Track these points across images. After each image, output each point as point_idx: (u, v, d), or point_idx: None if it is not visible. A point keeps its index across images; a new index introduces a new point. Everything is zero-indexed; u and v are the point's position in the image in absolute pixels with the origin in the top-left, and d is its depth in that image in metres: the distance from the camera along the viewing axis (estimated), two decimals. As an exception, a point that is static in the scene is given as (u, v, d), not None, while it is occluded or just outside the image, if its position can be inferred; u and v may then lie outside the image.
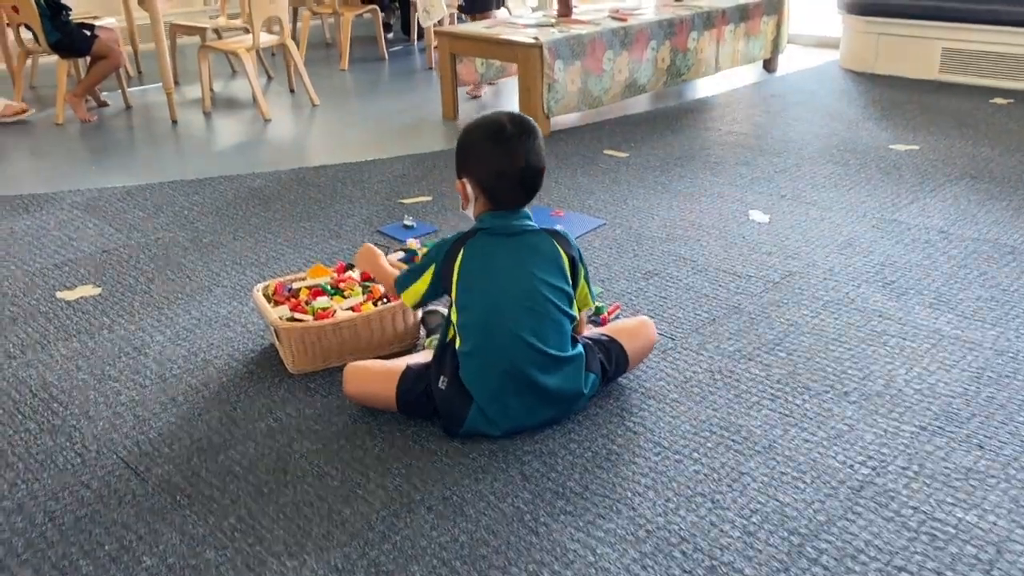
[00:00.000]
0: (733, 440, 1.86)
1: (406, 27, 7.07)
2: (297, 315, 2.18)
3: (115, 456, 1.85)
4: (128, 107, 4.95)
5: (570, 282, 1.89)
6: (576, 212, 3.20)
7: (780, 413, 1.95)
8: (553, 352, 1.84)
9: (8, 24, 4.71)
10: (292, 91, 5.27)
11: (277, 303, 2.26)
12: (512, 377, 1.82)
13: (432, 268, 1.89)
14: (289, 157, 3.99)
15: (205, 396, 2.07)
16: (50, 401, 2.07)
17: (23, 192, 3.54)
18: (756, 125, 4.29)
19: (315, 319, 2.15)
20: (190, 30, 5.49)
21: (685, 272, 2.68)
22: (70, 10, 4.63)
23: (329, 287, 2.32)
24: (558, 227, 1.94)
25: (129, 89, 5.05)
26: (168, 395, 2.08)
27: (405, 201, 3.37)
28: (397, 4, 7.14)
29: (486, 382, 1.82)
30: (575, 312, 1.91)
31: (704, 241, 2.91)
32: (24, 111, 4.65)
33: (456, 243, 1.87)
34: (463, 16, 5.77)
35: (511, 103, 4.85)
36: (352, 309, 2.20)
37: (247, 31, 5.31)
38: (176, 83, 4.76)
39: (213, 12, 6.34)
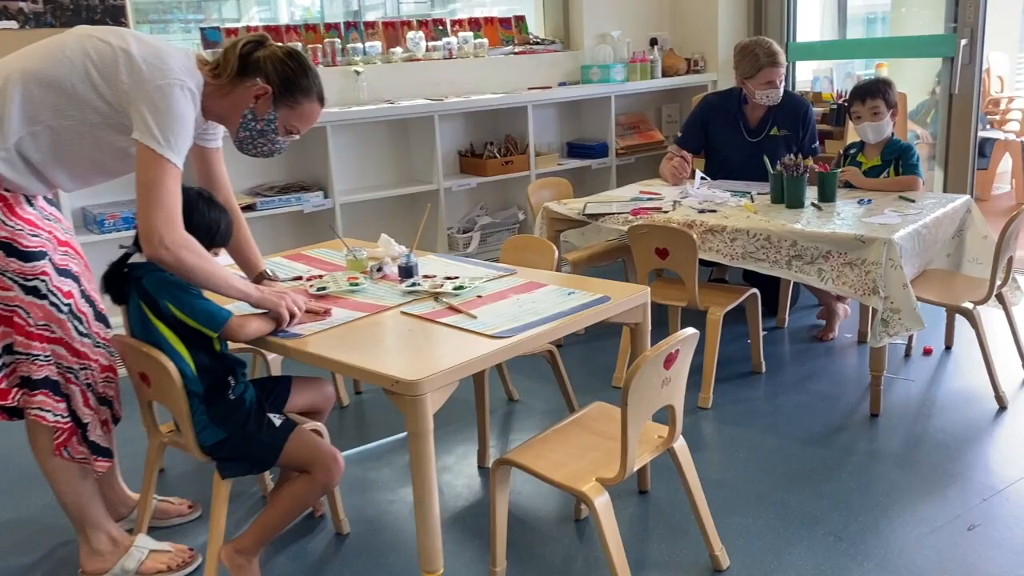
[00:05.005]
0: None
1: (767, 300, 4.46)
2: None
3: None
4: (342, 535, 2.56)
5: None
6: None
7: None
8: None
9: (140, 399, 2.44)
10: (643, 492, 2.71)
11: None
12: None
13: None
14: None
15: None
16: None
17: None
18: None
19: None
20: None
21: None
22: (244, 369, 2.32)
23: None
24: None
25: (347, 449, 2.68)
26: None
27: None
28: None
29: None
30: None
31: None
32: (187, 564, 2.39)
33: None
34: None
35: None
36: None
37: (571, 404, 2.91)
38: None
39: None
